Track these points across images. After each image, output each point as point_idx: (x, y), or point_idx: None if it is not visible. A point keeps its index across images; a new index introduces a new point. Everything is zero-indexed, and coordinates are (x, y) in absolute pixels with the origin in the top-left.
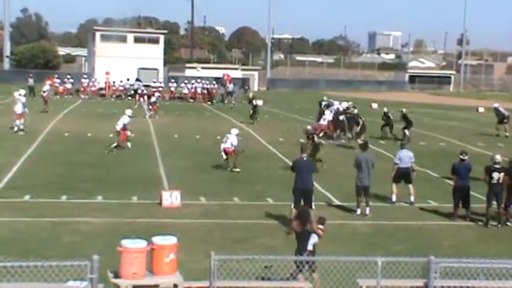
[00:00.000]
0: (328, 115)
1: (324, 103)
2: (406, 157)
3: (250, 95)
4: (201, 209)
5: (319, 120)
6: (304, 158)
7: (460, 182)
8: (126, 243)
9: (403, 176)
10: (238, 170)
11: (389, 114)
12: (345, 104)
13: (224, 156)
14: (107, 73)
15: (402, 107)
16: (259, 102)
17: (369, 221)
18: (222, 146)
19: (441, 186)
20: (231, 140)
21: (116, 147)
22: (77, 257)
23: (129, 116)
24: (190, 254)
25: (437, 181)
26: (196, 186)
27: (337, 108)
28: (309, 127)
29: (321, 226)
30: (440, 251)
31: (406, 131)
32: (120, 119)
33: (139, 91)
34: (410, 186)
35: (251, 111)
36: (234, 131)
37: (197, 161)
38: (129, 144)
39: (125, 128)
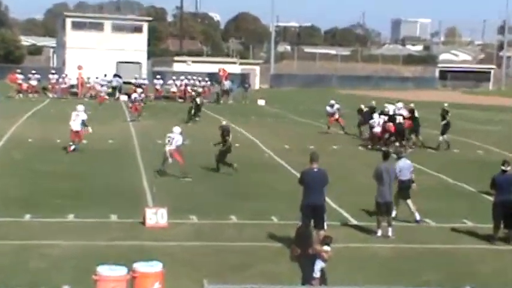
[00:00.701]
0: (377, 118)
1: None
2: (406, 168)
3: (193, 92)
4: (192, 229)
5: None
6: (315, 169)
7: (502, 198)
8: (103, 270)
9: (402, 189)
10: (190, 178)
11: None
12: (400, 105)
13: (170, 160)
14: (80, 67)
15: (443, 103)
16: (261, 102)
17: (391, 244)
18: (167, 148)
19: (478, 202)
20: (176, 140)
21: (73, 149)
22: (45, 286)
23: (84, 112)
24: (178, 283)
25: (473, 196)
26: (186, 202)
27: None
28: (224, 125)
29: (326, 248)
30: (478, 280)
31: (443, 137)
32: (77, 117)
33: (100, 88)
34: (409, 201)
35: (193, 110)
36: (177, 129)
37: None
38: (73, 147)
39: (84, 124)
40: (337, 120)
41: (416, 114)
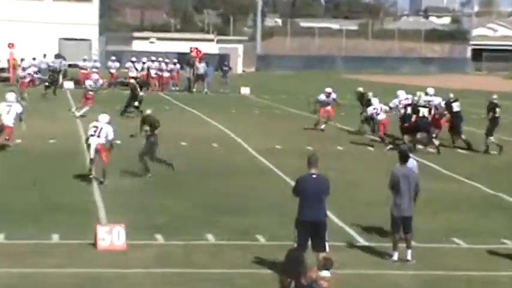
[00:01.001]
0: (377, 104)
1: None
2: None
3: (131, 80)
4: (157, 252)
5: (367, 117)
6: (314, 175)
7: None
8: None
9: None
10: (106, 182)
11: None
12: (431, 91)
13: (92, 155)
14: (11, 46)
15: (491, 94)
16: (245, 90)
17: (412, 270)
18: (95, 141)
19: None
20: (105, 132)
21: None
22: None
23: (18, 101)
24: None
25: None
26: (149, 217)
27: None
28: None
29: (325, 273)
30: None
31: (491, 138)
32: (10, 108)
33: (23, 71)
34: None
35: (136, 103)
36: (105, 117)
37: (151, 179)
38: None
39: (20, 118)
40: (325, 111)
41: (457, 107)
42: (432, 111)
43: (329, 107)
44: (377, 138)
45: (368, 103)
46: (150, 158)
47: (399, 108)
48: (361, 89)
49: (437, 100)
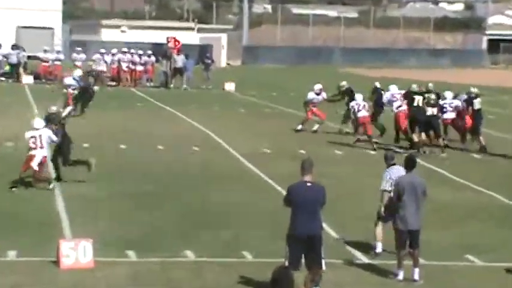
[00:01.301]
0: (360, 100)
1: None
2: None
3: (78, 71)
4: (129, 270)
5: (348, 118)
6: (308, 183)
7: None
8: None
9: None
10: (15, 189)
11: None
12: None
13: (35, 167)
14: None
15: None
16: (230, 86)
17: None
18: (40, 154)
19: None
20: (45, 139)
21: None
22: None
23: None
24: None
25: None
26: (120, 231)
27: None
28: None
29: None
30: None
31: None
32: None
33: None
34: (380, 226)
35: (87, 99)
36: (40, 122)
37: (123, 187)
38: None
39: None
40: (313, 112)
41: (478, 105)
42: (454, 114)
43: (315, 108)
44: (374, 140)
45: (352, 98)
46: (63, 161)
47: (392, 102)
48: (344, 83)
49: (457, 102)
